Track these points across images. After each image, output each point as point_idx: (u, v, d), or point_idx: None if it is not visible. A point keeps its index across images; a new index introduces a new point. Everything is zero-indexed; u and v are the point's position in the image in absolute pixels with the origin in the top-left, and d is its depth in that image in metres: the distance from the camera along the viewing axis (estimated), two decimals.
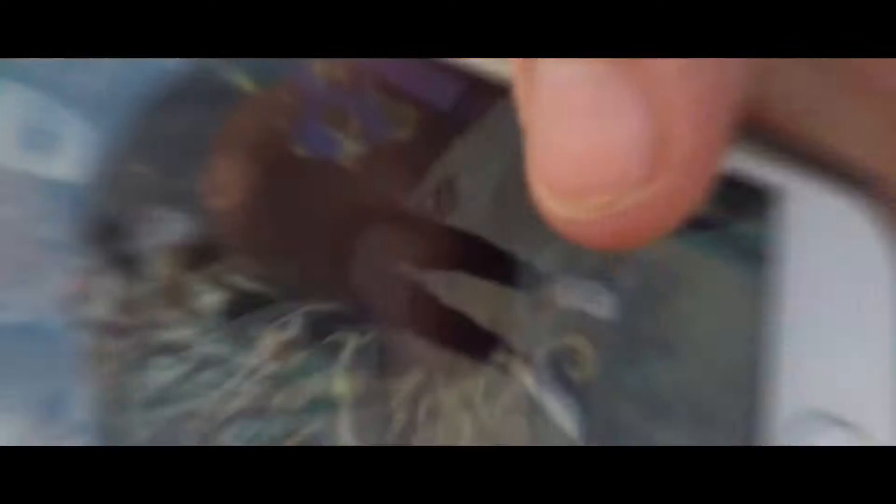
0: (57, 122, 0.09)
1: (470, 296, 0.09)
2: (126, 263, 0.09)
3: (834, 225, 0.12)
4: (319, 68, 0.09)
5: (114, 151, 0.09)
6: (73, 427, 0.08)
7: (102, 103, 0.09)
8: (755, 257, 0.12)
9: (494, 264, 0.09)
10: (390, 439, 0.09)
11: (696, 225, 0.12)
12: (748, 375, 0.11)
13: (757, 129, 0.12)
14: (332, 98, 0.09)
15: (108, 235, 0.09)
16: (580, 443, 0.09)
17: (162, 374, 0.09)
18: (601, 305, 0.10)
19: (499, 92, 0.10)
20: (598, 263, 0.10)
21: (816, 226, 0.12)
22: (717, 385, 0.11)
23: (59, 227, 0.09)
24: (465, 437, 0.09)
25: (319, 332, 0.09)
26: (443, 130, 0.09)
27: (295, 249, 0.09)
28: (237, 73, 0.09)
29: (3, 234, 0.09)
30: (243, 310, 0.09)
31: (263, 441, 0.08)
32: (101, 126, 0.09)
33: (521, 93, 0.08)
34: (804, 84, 0.13)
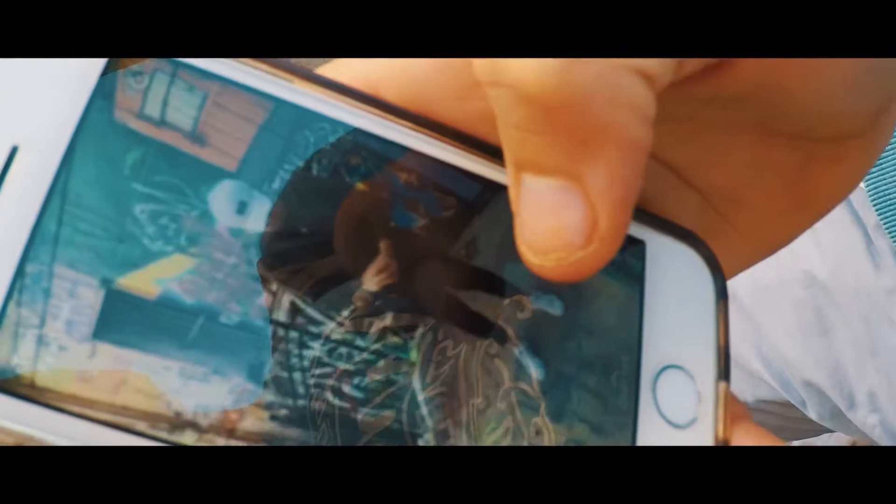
0: (249, 196, 0.16)
1: (485, 305, 0.17)
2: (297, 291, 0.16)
3: (675, 258, 0.19)
4: (399, 174, 0.16)
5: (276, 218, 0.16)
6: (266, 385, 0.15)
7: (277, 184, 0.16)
8: (635, 277, 0.18)
9: (498, 286, 0.17)
10: (442, 382, 0.16)
11: None
12: (634, 343, 0.18)
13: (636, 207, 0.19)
14: (407, 192, 0.16)
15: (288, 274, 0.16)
16: (543, 386, 0.17)
17: (315, 351, 0.15)
18: (556, 307, 0.17)
19: (500, 188, 0.17)
20: (552, 284, 0.17)
21: (666, 259, 0.19)
22: (616, 350, 0.18)
23: (256, 267, 0.16)
24: (475, 374, 0.16)
25: (404, 326, 0.16)
26: (469, 211, 0.17)
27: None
28: (353, 175, 0.16)
29: (233, 273, 0.16)
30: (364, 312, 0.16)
31: (371, 388, 0.15)
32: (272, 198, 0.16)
33: (512, 193, 0.15)
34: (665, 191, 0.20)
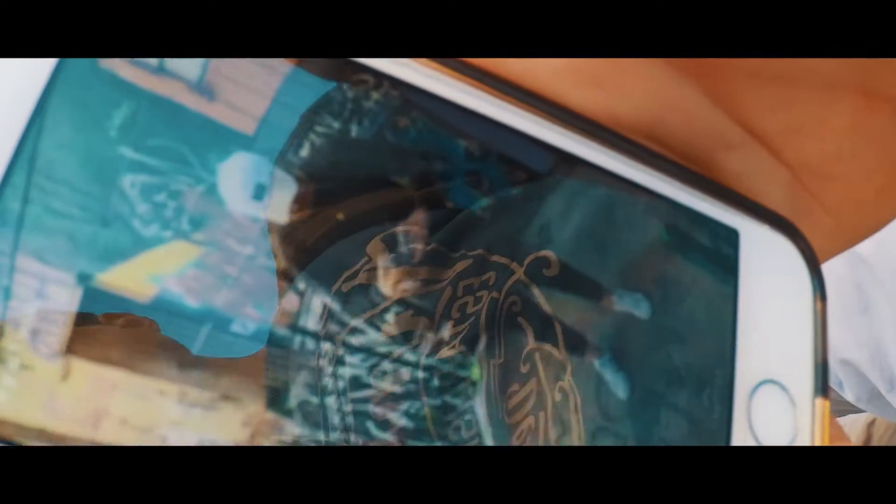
0: (269, 176, 0.13)
1: (560, 306, 0.13)
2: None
3: (771, 251, 0.16)
4: (459, 141, 0.13)
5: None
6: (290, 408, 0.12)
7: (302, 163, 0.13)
8: (729, 270, 0.16)
9: (576, 283, 0.14)
10: (506, 409, 0.13)
11: (694, 249, 0.16)
12: (727, 353, 0.16)
13: (727, 189, 0.16)
14: (469, 165, 0.13)
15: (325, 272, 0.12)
16: (627, 403, 0.14)
17: (353, 368, 0.12)
18: (642, 309, 0.14)
19: (577, 161, 0.14)
20: (638, 280, 0.14)
21: (761, 251, 0.16)
22: (709, 361, 0.16)
23: (279, 259, 0.12)
24: (550, 393, 0.13)
25: (466, 335, 0.13)
26: (542, 189, 0.13)
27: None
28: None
29: (249, 267, 0.12)
30: (411, 321, 0.13)
31: (424, 415, 0.12)
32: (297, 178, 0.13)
33: None
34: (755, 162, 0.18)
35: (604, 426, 0.13)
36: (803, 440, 0.16)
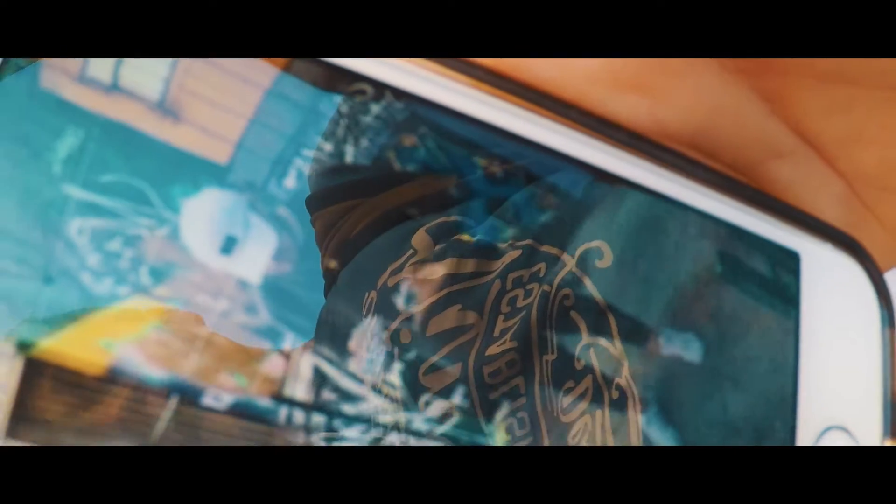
0: (243, 226, 0.11)
1: (600, 353, 0.11)
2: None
3: (835, 276, 0.15)
4: (480, 163, 0.11)
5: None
6: None
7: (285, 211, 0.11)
8: (790, 302, 0.14)
9: (616, 322, 0.12)
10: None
11: (750, 278, 0.14)
12: (789, 398, 0.14)
13: (784, 204, 0.15)
14: (492, 189, 0.11)
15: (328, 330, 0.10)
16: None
17: (353, 442, 0.10)
18: (694, 351, 0.12)
19: (617, 180, 0.12)
20: (689, 317, 0.12)
21: (825, 277, 0.14)
22: (768, 410, 0.14)
23: (261, 316, 0.10)
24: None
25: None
26: (576, 213, 0.11)
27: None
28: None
29: (223, 325, 0.10)
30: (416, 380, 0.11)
31: None
32: (281, 230, 0.11)
33: None
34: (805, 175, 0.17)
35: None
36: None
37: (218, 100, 0.11)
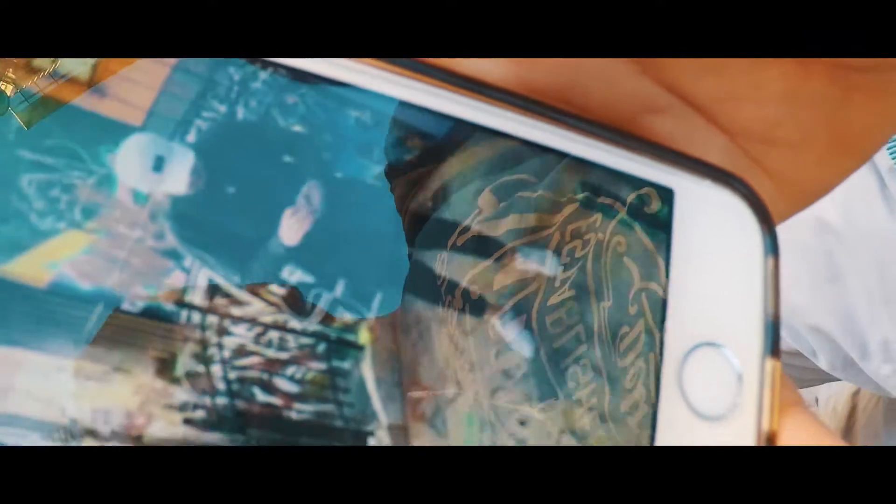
0: (155, 170, 0.13)
1: (458, 267, 0.14)
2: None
3: (714, 207, 0.16)
4: (349, 113, 0.14)
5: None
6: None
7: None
8: (660, 228, 0.15)
9: (476, 243, 0.14)
10: (399, 372, 0.13)
11: (623, 206, 0.16)
12: (656, 312, 0.15)
13: (658, 146, 0.16)
14: (360, 133, 0.14)
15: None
16: (532, 362, 0.14)
17: (239, 338, 0.13)
18: (551, 265, 0.15)
19: (476, 127, 0.14)
20: (546, 238, 0.15)
21: (702, 208, 0.16)
22: (631, 322, 0.15)
23: (167, 240, 0.13)
24: (444, 352, 0.13)
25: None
26: (438, 154, 0.14)
27: None
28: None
29: (138, 249, 0.13)
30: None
31: (309, 380, 0.13)
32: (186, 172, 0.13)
33: None
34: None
35: (504, 385, 0.13)
36: (749, 405, 0.15)
37: (134, 77, 0.13)
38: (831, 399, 0.88)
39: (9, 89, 0.14)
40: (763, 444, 0.15)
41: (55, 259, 0.12)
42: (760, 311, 0.15)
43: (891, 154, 0.40)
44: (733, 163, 0.17)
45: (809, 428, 0.16)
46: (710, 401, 0.15)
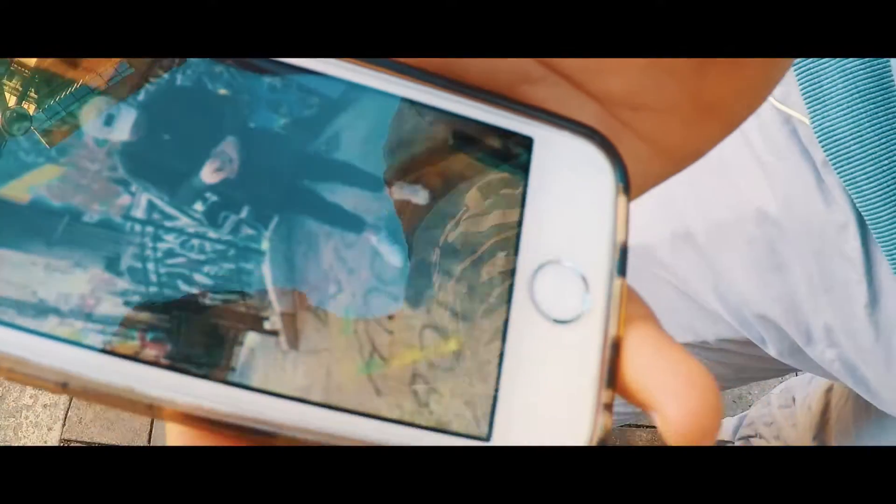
0: (117, 109, 0.17)
1: (344, 196, 0.18)
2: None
3: (569, 153, 0.19)
4: (263, 79, 0.18)
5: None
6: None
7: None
8: (519, 168, 0.18)
9: (359, 178, 0.18)
10: (292, 272, 0.17)
11: (482, 151, 0.19)
12: (509, 235, 0.18)
13: (519, 102, 0.19)
14: (271, 94, 0.18)
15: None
16: (401, 270, 0.18)
17: (168, 243, 0.17)
18: (420, 197, 0.18)
19: (364, 88, 0.18)
20: (422, 176, 0.18)
21: (558, 153, 0.19)
22: (487, 241, 0.18)
23: (119, 172, 0.17)
24: (329, 260, 0.17)
25: (259, 219, 0.17)
26: (333, 109, 0.18)
27: None
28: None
29: (96, 178, 0.17)
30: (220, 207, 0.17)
31: (221, 276, 0.17)
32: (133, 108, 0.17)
33: None
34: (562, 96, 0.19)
35: (377, 286, 0.17)
36: (596, 314, 0.18)
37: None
38: (807, 398, 0.90)
39: (31, 108, 0.17)
40: (609, 349, 0.17)
41: (35, 184, 0.16)
42: (610, 236, 0.18)
43: (823, 148, 0.44)
44: (605, 126, 0.19)
45: (653, 337, 0.18)
46: (560, 308, 0.18)
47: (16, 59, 0.17)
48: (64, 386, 0.15)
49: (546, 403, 0.17)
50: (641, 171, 0.20)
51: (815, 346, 0.51)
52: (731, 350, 0.58)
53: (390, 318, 0.17)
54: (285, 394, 0.16)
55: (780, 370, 0.64)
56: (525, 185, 0.18)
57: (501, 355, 0.17)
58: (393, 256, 0.17)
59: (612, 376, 0.17)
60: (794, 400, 0.94)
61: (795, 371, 0.62)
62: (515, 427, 0.17)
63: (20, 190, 0.16)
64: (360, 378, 0.16)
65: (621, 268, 0.18)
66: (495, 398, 0.17)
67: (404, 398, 0.16)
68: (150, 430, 1.26)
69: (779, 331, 0.52)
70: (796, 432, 0.90)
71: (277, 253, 0.17)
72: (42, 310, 0.16)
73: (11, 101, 0.17)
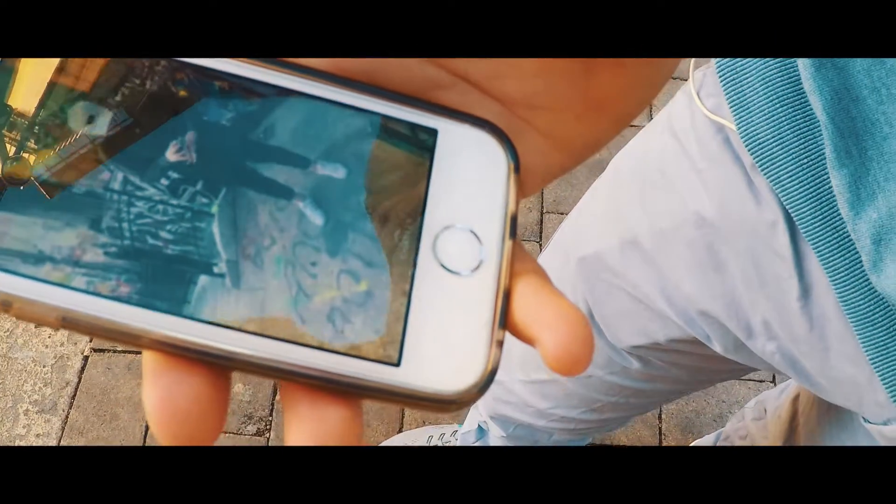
0: (95, 108, 0.22)
1: (278, 172, 0.23)
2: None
3: (468, 141, 0.22)
4: (215, 83, 0.23)
5: None
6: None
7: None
8: (425, 150, 0.23)
9: (290, 157, 0.23)
10: (236, 229, 0.22)
11: (394, 138, 0.24)
12: (416, 204, 0.22)
13: (430, 102, 0.23)
14: (221, 95, 0.23)
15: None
16: (323, 229, 0.22)
17: (139, 208, 0.22)
18: (340, 172, 0.23)
19: (292, 91, 0.23)
20: (342, 156, 0.23)
21: (459, 142, 0.22)
22: (395, 207, 0.22)
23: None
24: (265, 220, 0.22)
25: (211, 190, 0.22)
26: (269, 105, 0.23)
27: None
28: None
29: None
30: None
31: (180, 232, 0.21)
32: None
33: None
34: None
35: (303, 241, 0.22)
36: (489, 269, 0.21)
37: (88, 64, 0.22)
38: (777, 409, 0.94)
39: (31, 159, 0.20)
40: (501, 296, 0.21)
41: (36, 164, 0.21)
42: (503, 207, 0.22)
43: (750, 151, 0.48)
44: (508, 123, 0.22)
45: (537, 286, 0.21)
46: (459, 263, 0.21)
47: (15, 109, 0.21)
48: (63, 320, 0.20)
49: (449, 338, 0.20)
50: (543, 162, 0.23)
51: (755, 340, 0.55)
52: (683, 350, 0.62)
53: (313, 264, 0.22)
54: (230, 325, 0.20)
55: (735, 370, 0.68)
56: (431, 166, 0.23)
57: (409, 299, 0.21)
58: (316, 218, 0.22)
59: (503, 318, 0.21)
60: (765, 411, 0.98)
61: (749, 370, 0.66)
62: (422, 356, 0.20)
63: (24, 168, 0.21)
64: (288, 310, 0.21)
65: (512, 231, 0.22)
66: (404, 331, 0.21)
67: (323, 327, 0.21)
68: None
69: (722, 327, 0.56)
70: (768, 442, 0.93)
71: (224, 215, 0.21)
72: (41, 258, 0.20)
73: (11, 150, 0.20)
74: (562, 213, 1.46)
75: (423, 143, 0.23)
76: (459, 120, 0.23)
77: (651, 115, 1.51)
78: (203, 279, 0.21)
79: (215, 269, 0.21)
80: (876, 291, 0.44)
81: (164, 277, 0.20)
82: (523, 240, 1.49)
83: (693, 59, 0.54)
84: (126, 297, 0.20)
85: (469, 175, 0.22)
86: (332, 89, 0.23)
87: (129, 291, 0.20)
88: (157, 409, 0.18)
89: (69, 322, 0.20)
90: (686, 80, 0.54)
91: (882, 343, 0.46)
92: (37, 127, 0.21)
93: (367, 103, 0.23)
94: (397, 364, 0.20)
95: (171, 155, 0.22)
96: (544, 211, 1.49)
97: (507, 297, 0.21)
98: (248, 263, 0.21)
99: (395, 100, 0.23)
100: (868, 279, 0.44)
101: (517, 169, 0.22)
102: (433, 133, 0.23)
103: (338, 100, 0.23)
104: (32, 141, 0.21)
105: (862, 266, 0.44)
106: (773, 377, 1.35)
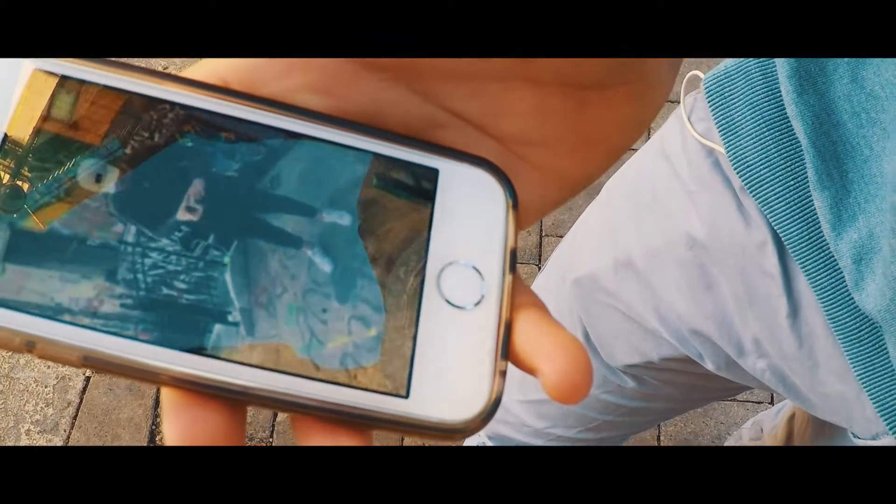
0: (103, 162, 0.23)
1: (286, 221, 0.23)
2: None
3: (468, 180, 0.23)
4: (221, 134, 0.23)
5: None
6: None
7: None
8: (426, 195, 0.23)
9: (297, 207, 0.23)
10: (248, 278, 0.22)
11: (395, 182, 0.25)
12: (420, 245, 0.23)
13: (429, 142, 0.24)
14: (227, 145, 0.23)
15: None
16: (331, 275, 0.23)
17: (153, 259, 0.22)
18: (346, 219, 0.23)
19: (299, 136, 0.24)
20: (347, 203, 0.24)
21: (459, 181, 0.23)
22: (401, 250, 0.23)
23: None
24: (276, 268, 0.22)
25: (223, 242, 0.23)
26: (275, 154, 0.23)
27: None
28: None
29: None
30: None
31: (194, 282, 0.22)
32: None
33: None
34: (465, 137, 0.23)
35: (313, 288, 0.22)
36: (491, 302, 0.22)
37: (96, 116, 0.23)
38: (774, 428, 0.95)
39: (25, 186, 0.20)
40: (503, 328, 0.22)
41: (51, 217, 0.22)
42: (502, 242, 0.22)
43: (738, 174, 0.49)
44: (504, 160, 0.23)
45: (537, 318, 0.21)
46: (462, 298, 0.22)
47: (9, 138, 0.22)
48: (85, 360, 0.20)
49: (454, 371, 0.21)
50: (539, 196, 0.24)
51: (746, 358, 0.56)
52: (676, 369, 0.63)
53: (324, 311, 0.22)
54: (246, 362, 0.21)
55: (728, 389, 0.69)
56: (433, 206, 0.23)
57: (416, 333, 0.22)
58: (325, 265, 0.23)
59: (506, 349, 0.21)
60: (762, 430, 0.99)
61: (742, 389, 0.67)
62: (430, 387, 0.21)
63: (39, 223, 0.22)
64: (302, 357, 0.21)
65: (512, 266, 0.22)
66: (412, 364, 0.21)
67: (336, 366, 0.21)
68: None
69: (713, 345, 0.57)
70: None
71: (236, 265, 0.22)
72: (58, 311, 0.21)
73: (5, 178, 0.20)
74: (560, 237, 1.48)
75: (424, 184, 0.24)
76: (459, 159, 0.23)
77: (649, 136, 1.53)
78: (218, 328, 0.21)
79: (230, 318, 0.21)
80: (861, 309, 0.45)
81: (180, 327, 0.21)
82: (522, 262, 1.51)
83: (684, 85, 0.55)
84: (145, 338, 0.21)
85: (469, 213, 0.23)
86: (334, 132, 0.23)
87: (147, 338, 0.21)
88: (178, 444, 0.19)
89: (90, 361, 0.20)
90: (678, 102, 0.55)
91: (868, 359, 0.47)
92: (48, 180, 0.22)
93: (369, 145, 0.24)
94: (406, 396, 0.21)
95: (181, 213, 0.22)
96: (543, 234, 1.51)
97: (509, 328, 0.22)
98: (261, 312, 0.22)
99: (395, 141, 0.24)
100: (853, 297, 0.45)
101: (515, 206, 0.23)
102: (434, 173, 0.24)
103: (340, 142, 0.23)
104: (40, 196, 0.22)
105: (846, 284, 0.45)
106: (772, 398, 1.36)
